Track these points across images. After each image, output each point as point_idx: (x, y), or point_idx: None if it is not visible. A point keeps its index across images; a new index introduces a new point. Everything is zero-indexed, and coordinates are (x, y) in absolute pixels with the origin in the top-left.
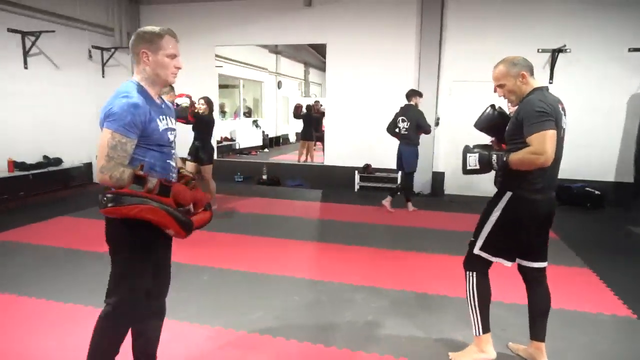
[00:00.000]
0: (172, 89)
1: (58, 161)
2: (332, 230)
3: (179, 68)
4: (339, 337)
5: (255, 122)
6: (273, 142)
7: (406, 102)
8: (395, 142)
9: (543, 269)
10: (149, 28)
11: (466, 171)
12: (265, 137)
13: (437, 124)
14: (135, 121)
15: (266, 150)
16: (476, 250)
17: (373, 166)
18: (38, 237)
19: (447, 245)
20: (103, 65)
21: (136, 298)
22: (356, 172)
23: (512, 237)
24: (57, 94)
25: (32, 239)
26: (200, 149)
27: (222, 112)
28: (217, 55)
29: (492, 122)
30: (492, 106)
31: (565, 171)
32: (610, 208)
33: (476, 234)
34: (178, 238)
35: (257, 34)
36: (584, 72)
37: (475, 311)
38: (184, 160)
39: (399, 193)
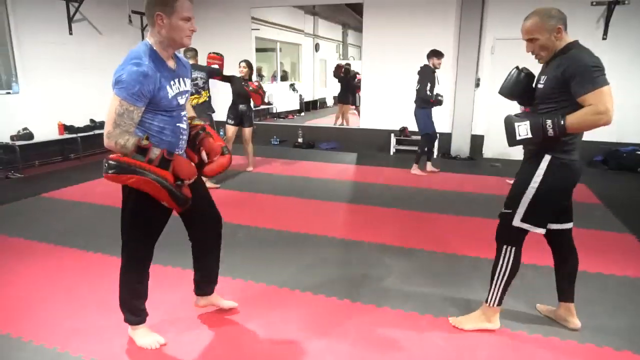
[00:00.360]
0: (195, 53)
1: (103, 124)
2: (366, 193)
3: (193, 31)
4: (366, 293)
5: (292, 85)
6: (310, 106)
7: (425, 63)
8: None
9: (571, 230)
10: None
11: (516, 142)
12: (302, 100)
13: (477, 85)
14: (144, 90)
15: (302, 114)
16: (516, 223)
17: (410, 129)
18: (89, 196)
19: (482, 209)
20: (142, 29)
21: (137, 259)
22: (392, 135)
23: (553, 203)
24: (100, 58)
25: (84, 197)
26: (245, 113)
27: (260, 76)
28: (253, 18)
29: (519, 87)
30: (517, 68)
31: (615, 133)
32: None
33: (512, 205)
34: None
35: None
36: None
37: (500, 284)
38: (218, 125)
39: (422, 156)
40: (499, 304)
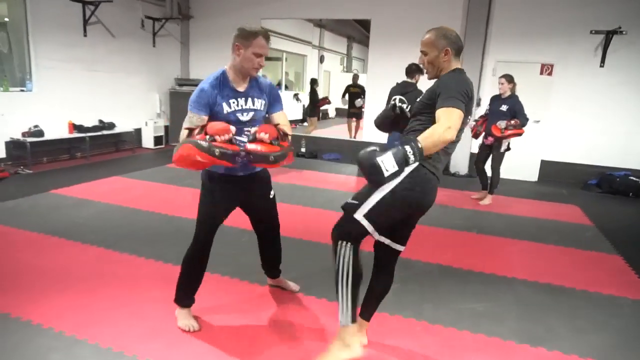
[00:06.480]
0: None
1: (111, 125)
2: None
3: (261, 66)
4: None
5: (296, 95)
6: None
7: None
8: None
9: (399, 253)
10: (248, 27)
11: (385, 179)
12: (305, 110)
13: (478, 104)
14: (200, 102)
15: (305, 124)
16: (358, 216)
17: None
18: (96, 194)
19: (473, 224)
20: (154, 35)
21: (199, 242)
22: None
23: (397, 213)
24: (112, 61)
25: (92, 195)
26: None
27: None
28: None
29: (387, 121)
30: (394, 99)
31: (610, 159)
32: None
33: (361, 197)
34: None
35: (303, 7)
36: (639, 56)
37: (347, 293)
38: None
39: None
40: (354, 320)
